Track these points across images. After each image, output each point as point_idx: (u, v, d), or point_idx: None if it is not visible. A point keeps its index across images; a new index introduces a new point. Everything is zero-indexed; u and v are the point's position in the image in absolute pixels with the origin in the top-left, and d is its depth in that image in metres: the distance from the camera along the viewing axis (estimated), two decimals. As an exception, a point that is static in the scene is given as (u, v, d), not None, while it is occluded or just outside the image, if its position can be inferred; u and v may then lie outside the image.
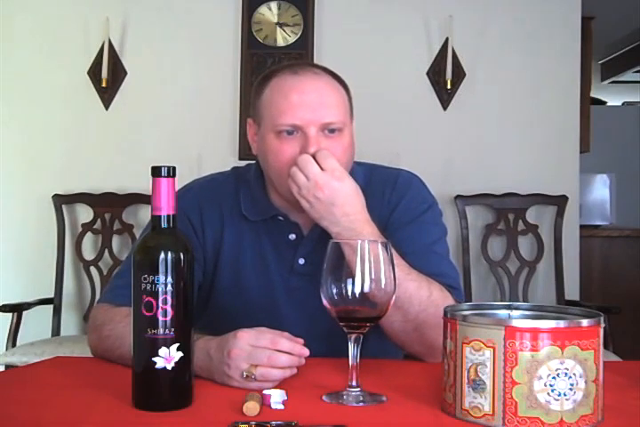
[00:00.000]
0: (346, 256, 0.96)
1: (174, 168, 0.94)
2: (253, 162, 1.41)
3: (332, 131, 1.26)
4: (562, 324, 0.84)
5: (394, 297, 0.98)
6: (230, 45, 3.13)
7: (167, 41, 3.14)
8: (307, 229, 1.33)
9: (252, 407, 0.88)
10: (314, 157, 1.22)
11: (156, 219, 0.94)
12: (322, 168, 1.21)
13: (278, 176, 1.28)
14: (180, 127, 3.13)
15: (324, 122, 1.25)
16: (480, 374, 0.85)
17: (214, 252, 1.35)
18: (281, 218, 1.33)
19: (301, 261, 1.33)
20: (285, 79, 1.28)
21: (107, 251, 3.05)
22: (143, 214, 3.07)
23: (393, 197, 1.35)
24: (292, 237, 1.33)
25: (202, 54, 3.14)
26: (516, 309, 0.99)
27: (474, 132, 3.15)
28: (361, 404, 0.95)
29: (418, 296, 1.19)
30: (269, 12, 3.13)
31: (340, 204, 1.20)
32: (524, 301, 2.98)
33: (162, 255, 0.91)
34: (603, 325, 0.87)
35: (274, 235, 1.34)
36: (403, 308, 1.17)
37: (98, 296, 2.88)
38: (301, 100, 1.25)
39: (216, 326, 1.20)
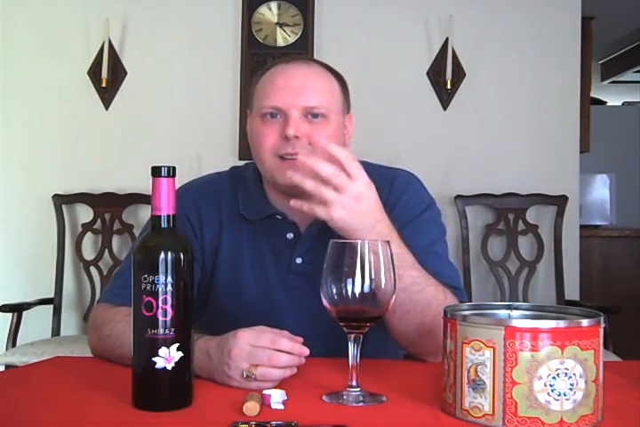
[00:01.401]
0: (346, 256, 0.96)
1: (174, 168, 0.94)
2: (251, 161, 1.41)
3: (316, 116, 1.26)
4: (562, 324, 0.84)
5: (394, 297, 0.98)
6: (230, 45, 3.13)
7: (167, 41, 3.14)
8: (304, 228, 1.33)
9: (251, 407, 0.88)
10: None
11: (155, 219, 0.94)
12: (348, 173, 1.11)
13: (261, 160, 1.28)
14: (179, 127, 3.13)
15: (307, 105, 1.25)
16: (480, 374, 0.85)
17: (212, 251, 1.35)
18: (279, 217, 1.33)
19: (299, 260, 1.33)
20: (277, 68, 1.31)
21: (107, 251, 3.05)
22: (143, 214, 3.07)
23: (391, 197, 1.34)
24: (290, 235, 1.33)
25: (202, 54, 3.15)
26: (516, 309, 0.99)
27: (474, 133, 3.15)
28: (361, 404, 0.95)
29: (436, 300, 1.18)
30: (269, 12, 3.13)
31: (374, 212, 1.14)
32: (524, 301, 2.98)
33: (162, 255, 0.91)
34: (603, 325, 0.87)
35: (271, 234, 1.34)
36: (422, 313, 1.17)
37: (98, 296, 2.88)
38: (286, 84, 1.26)
39: (215, 325, 1.20)
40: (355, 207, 1.11)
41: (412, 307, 1.16)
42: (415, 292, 1.16)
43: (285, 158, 1.25)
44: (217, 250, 1.35)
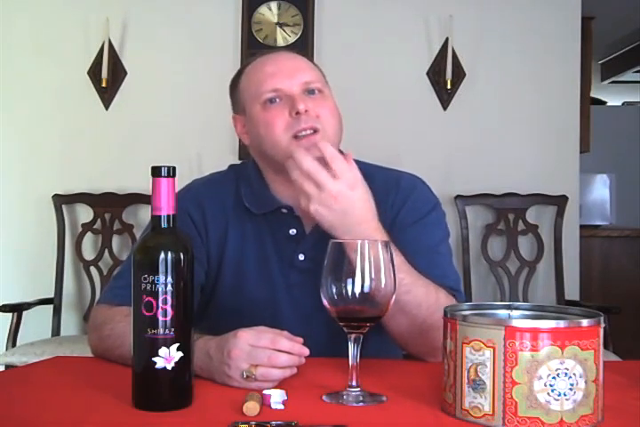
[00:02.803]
0: (346, 256, 0.96)
1: (174, 168, 0.94)
2: (249, 160, 1.42)
3: (313, 92, 1.29)
4: (562, 324, 0.84)
5: (394, 297, 0.98)
6: (230, 45, 3.13)
7: (167, 41, 3.14)
8: (308, 225, 1.32)
9: (252, 407, 0.88)
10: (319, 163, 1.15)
11: (155, 219, 0.94)
12: (332, 174, 1.13)
13: (275, 144, 1.27)
14: (179, 127, 3.13)
15: (304, 81, 1.28)
16: (480, 374, 0.85)
17: (219, 250, 1.34)
18: (284, 210, 1.33)
19: (301, 256, 1.32)
20: (257, 60, 1.34)
21: (107, 251, 3.05)
22: (143, 214, 3.07)
23: (398, 199, 1.35)
24: (293, 231, 1.33)
25: (202, 54, 3.14)
26: (516, 309, 0.99)
27: (474, 132, 3.15)
28: (361, 404, 0.95)
29: (426, 301, 1.19)
30: (269, 12, 3.13)
31: (353, 213, 1.15)
32: (524, 301, 2.98)
33: (162, 255, 0.91)
34: (603, 325, 0.87)
35: (275, 229, 1.34)
36: (411, 313, 1.18)
37: (98, 296, 2.88)
38: (277, 68, 1.30)
39: (218, 324, 1.19)
40: (332, 206, 1.13)
41: (400, 308, 1.15)
42: (402, 293, 1.14)
43: (299, 137, 1.25)
44: (223, 248, 1.34)
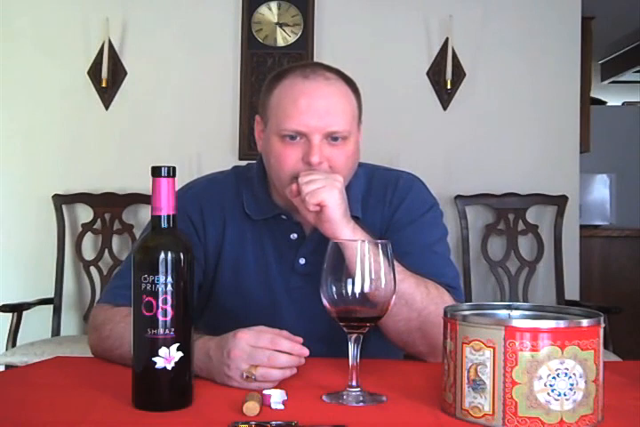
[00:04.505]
0: (346, 256, 0.96)
1: (174, 168, 0.94)
2: (254, 162, 1.41)
3: (336, 139, 1.24)
4: (562, 324, 0.84)
5: (394, 297, 0.98)
6: (230, 45, 3.13)
7: (167, 41, 3.14)
8: (309, 230, 1.33)
9: (251, 407, 0.88)
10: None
11: (155, 219, 0.94)
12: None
13: (279, 179, 1.28)
14: (179, 127, 3.13)
15: (329, 131, 1.23)
16: (480, 374, 0.85)
17: (216, 250, 1.35)
18: (284, 217, 1.33)
19: (302, 260, 1.33)
20: (295, 83, 1.26)
21: (107, 251, 3.05)
22: (143, 214, 3.07)
23: (395, 198, 1.35)
24: (294, 236, 1.33)
25: (202, 54, 3.14)
26: (516, 309, 0.99)
27: (474, 133, 3.15)
28: (361, 404, 0.95)
29: (419, 293, 1.20)
30: (269, 12, 3.13)
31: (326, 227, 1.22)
32: (524, 301, 2.98)
33: (162, 255, 0.91)
34: (603, 325, 0.87)
35: (275, 234, 1.34)
36: (407, 305, 1.18)
37: (98, 296, 2.88)
38: (308, 106, 1.23)
39: (217, 324, 1.20)
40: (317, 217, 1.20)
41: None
42: None
43: None
44: (220, 249, 1.35)
